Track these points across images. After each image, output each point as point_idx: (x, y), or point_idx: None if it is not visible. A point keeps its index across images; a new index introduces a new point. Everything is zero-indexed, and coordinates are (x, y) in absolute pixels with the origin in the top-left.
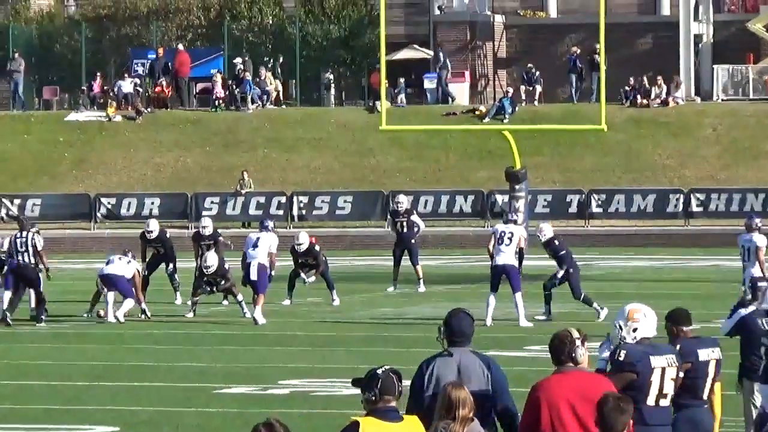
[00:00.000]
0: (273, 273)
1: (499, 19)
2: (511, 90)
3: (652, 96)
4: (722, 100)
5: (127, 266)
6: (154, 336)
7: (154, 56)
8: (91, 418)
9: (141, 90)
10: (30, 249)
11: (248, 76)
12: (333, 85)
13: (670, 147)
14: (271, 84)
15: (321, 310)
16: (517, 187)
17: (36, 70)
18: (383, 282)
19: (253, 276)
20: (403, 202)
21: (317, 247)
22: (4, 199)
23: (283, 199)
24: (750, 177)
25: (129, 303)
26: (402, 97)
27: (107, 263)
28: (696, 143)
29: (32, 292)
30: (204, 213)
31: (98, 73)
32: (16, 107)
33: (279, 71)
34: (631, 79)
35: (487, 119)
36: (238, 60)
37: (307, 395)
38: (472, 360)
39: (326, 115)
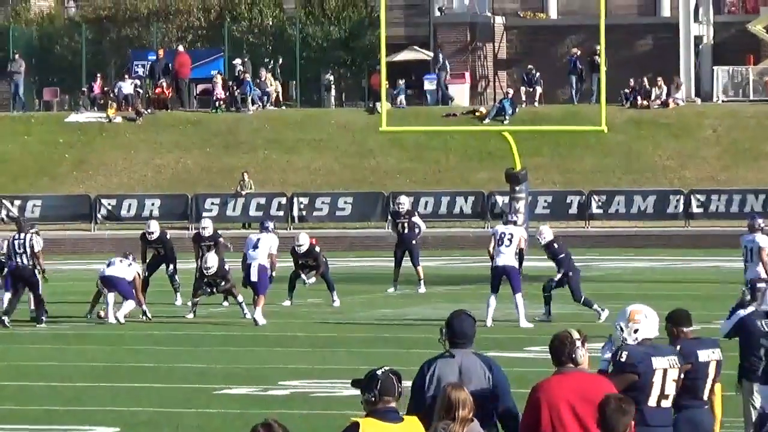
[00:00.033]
0: (274, 274)
1: (499, 20)
2: (511, 91)
3: (653, 97)
4: (722, 101)
5: (127, 269)
6: (155, 337)
7: (155, 57)
8: (91, 419)
9: (141, 91)
10: (28, 250)
11: (248, 77)
12: (333, 87)
13: (670, 148)
14: (271, 85)
15: (321, 311)
16: (517, 188)
17: (36, 72)
18: (383, 283)
19: (254, 277)
20: (405, 203)
21: (317, 248)
22: (4, 201)
23: (284, 200)
24: (750, 178)
25: (130, 304)
26: (401, 98)
27: (108, 265)
28: (696, 144)
29: (31, 293)
30: (204, 214)
31: (98, 75)
32: (16, 108)
33: (278, 72)
34: (631, 80)
35: (487, 120)
36: (237, 61)
37: (308, 396)
38: (474, 361)
39: (326, 117)
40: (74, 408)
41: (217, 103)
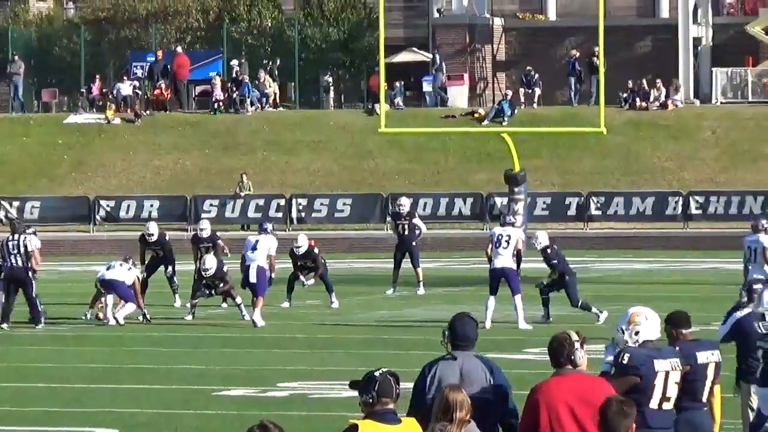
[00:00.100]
0: (274, 276)
1: (498, 21)
2: (510, 93)
3: (651, 99)
4: (721, 102)
5: (127, 272)
6: (153, 338)
7: (153, 59)
8: (90, 420)
9: (140, 92)
10: (22, 251)
11: (246, 79)
12: (332, 88)
13: (669, 150)
14: (270, 87)
15: (320, 313)
16: (516, 189)
17: (35, 73)
18: (382, 284)
19: (252, 278)
20: (405, 204)
21: (316, 250)
22: (3, 202)
23: (282, 202)
24: (749, 180)
25: (130, 307)
26: (398, 99)
27: (108, 268)
28: (695, 146)
29: (24, 295)
30: (203, 215)
31: (97, 76)
32: (15, 110)
33: (276, 73)
34: (630, 81)
35: (486, 122)
36: (234, 62)
37: (306, 398)
38: (475, 364)
39: (325, 118)
40: (73, 409)
41: (215, 105)
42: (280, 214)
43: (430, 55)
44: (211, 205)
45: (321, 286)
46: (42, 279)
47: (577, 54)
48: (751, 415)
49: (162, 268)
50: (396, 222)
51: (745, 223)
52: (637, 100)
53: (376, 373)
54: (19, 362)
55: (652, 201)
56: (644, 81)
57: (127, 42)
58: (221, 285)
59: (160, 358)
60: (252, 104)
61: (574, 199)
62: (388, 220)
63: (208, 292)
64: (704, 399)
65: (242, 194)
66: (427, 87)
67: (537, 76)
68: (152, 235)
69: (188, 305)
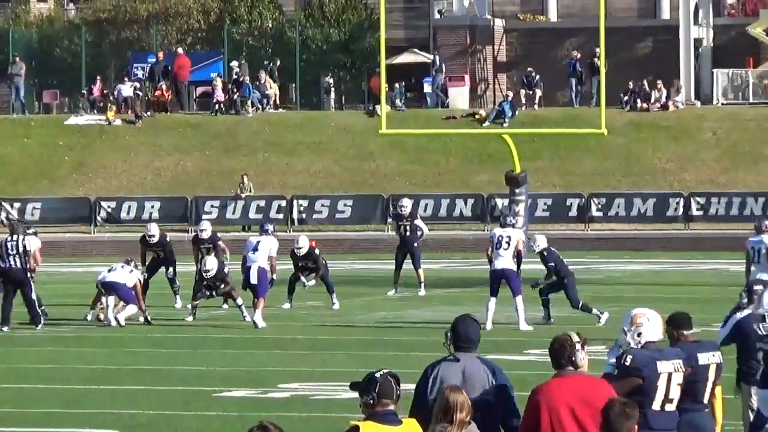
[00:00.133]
0: (275, 277)
1: (499, 23)
2: (511, 94)
3: (652, 100)
4: (722, 104)
5: (129, 275)
6: (154, 339)
7: (154, 60)
8: (90, 421)
9: (141, 94)
10: (20, 251)
11: (246, 80)
12: (333, 89)
13: (670, 151)
14: (270, 88)
15: (321, 314)
16: (517, 190)
17: (36, 74)
18: (383, 285)
19: (253, 280)
20: (407, 206)
21: (317, 251)
22: (4, 203)
23: (283, 203)
24: (750, 181)
25: (131, 308)
26: (398, 101)
27: (109, 270)
28: (696, 147)
29: (22, 296)
30: (204, 216)
31: (98, 77)
32: (16, 111)
33: (276, 74)
34: (631, 83)
35: (487, 123)
36: (234, 63)
37: (307, 399)
38: (478, 366)
39: (326, 119)
40: (73, 410)
41: (216, 106)
42: (281, 216)
43: (431, 57)
44: (212, 206)
45: (322, 287)
46: (43, 280)
47: (578, 55)
48: (752, 416)
49: (163, 269)
50: (398, 223)
51: (746, 225)
52: (638, 101)
53: (377, 375)
54: (20, 363)
55: (653, 202)
56: (645, 82)
57: (128, 43)
58: (222, 286)
59: (160, 359)
60: (253, 105)
61: (575, 200)
62: (389, 221)
63: (209, 293)
64: (705, 400)
65: (243, 195)
66: (428, 88)
67: (538, 77)
68: (153, 236)
69: (189, 306)
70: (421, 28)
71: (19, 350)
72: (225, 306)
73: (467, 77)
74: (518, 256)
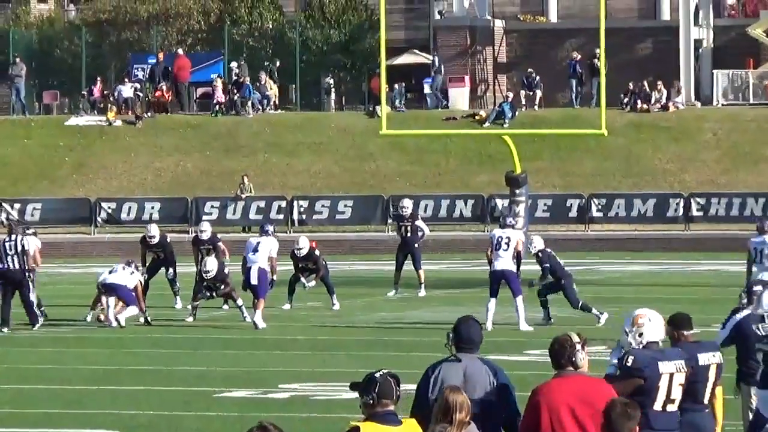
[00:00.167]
0: (275, 278)
1: (499, 23)
2: (511, 94)
3: (652, 101)
4: (722, 104)
5: (129, 276)
6: (154, 340)
7: (155, 61)
8: (91, 422)
9: (141, 94)
10: (19, 251)
11: (247, 81)
12: (333, 90)
13: (670, 151)
14: (271, 89)
15: (321, 315)
16: (517, 191)
17: (36, 75)
18: (383, 286)
19: (254, 280)
20: (408, 207)
21: (317, 252)
22: (4, 204)
23: (284, 204)
24: (750, 181)
25: (132, 310)
26: (397, 101)
27: (110, 272)
28: (696, 148)
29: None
30: (204, 217)
31: (98, 78)
32: (16, 112)
33: (276, 75)
34: (631, 83)
35: (487, 124)
36: (233, 64)
37: (307, 399)
38: (479, 367)
39: (326, 120)
40: (74, 411)
41: (216, 107)
42: (281, 216)
43: (431, 57)
44: (212, 206)
45: (322, 288)
46: (43, 281)
47: (578, 56)
48: (751, 416)
49: (163, 270)
50: (399, 224)
51: (746, 225)
52: (638, 102)
53: (377, 375)
54: (20, 364)
55: (653, 203)
56: (645, 83)
57: (128, 44)
58: (222, 287)
59: (160, 360)
60: (253, 106)
61: (575, 200)
62: (390, 222)
63: (209, 294)
64: (706, 401)
65: (243, 196)
66: (428, 89)
67: (538, 78)
68: (153, 237)
69: (189, 307)
70: (422, 29)
71: (19, 351)
72: (225, 307)
73: (467, 78)
74: (518, 257)
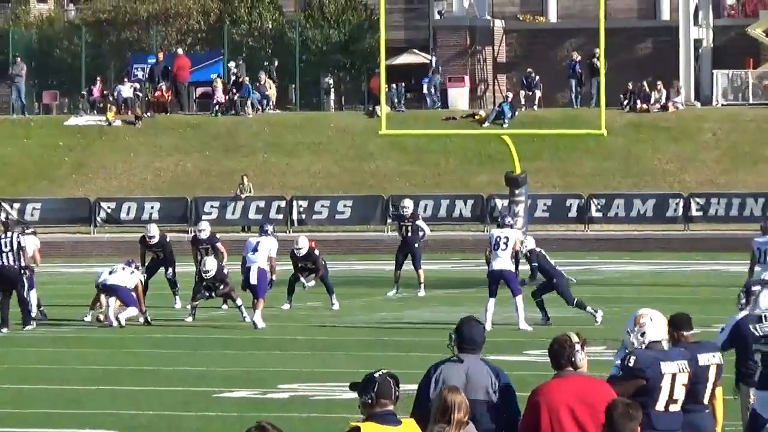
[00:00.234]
0: (274, 278)
1: (498, 23)
2: (510, 94)
3: (652, 101)
4: (722, 104)
5: (129, 276)
6: (154, 340)
7: (154, 61)
8: (90, 422)
9: (141, 94)
10: (14, 248)
11: (246, 81)
12: (333, 90)
13: (669, 152)
14: (270, 89)
15: (320, 315)
16: (516, 191)
17: (36, 75)
18: (383, 286)
19: (253, 280)
20: (409, 207)
21: (317, 252)
22: (3, 204)
23: (283, 204)
24: (750, 182)
25: (132, 310)
26: (398, 101)
27: (110, 272)
28: (696, 148)
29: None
30: (204, 217)
31: (98, 78)
32: (16, 111)
33: (275, 75)
34: (631, 83)
35: (486, 124)
36: (231, 64)
37: (307, 399)
38: (481, 368)
39: (326, 120)
40: (73, 411)
41: (216, 107)
42: (280, 216)
43: (431, 57)
44: (211, 206)
45: (321, 288)
46: (42, 281)
47: (578, 56)
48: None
49: (162, 269)
50: (400, 224)
51: (746, 225)
52: (638, 102)
53: (376, 375)
54: (20, 364)
55: (652, 203)
56: (645, 83)
57: (127, 44)
58: (222, 287)
59: (160, 360)
60: (252, 106)
61: (574, 200)
62: (389, 221)
63: (208, 293)
64: (706, 401)
65: (243, 196)
66: (427, 89)
67: (537, 78)
68: (153, 236)
69: (189, 307)
70: (421, 29)
71: (19, 351)
72: (225, 306)
73: (467, 78)
74: (516, 257)
